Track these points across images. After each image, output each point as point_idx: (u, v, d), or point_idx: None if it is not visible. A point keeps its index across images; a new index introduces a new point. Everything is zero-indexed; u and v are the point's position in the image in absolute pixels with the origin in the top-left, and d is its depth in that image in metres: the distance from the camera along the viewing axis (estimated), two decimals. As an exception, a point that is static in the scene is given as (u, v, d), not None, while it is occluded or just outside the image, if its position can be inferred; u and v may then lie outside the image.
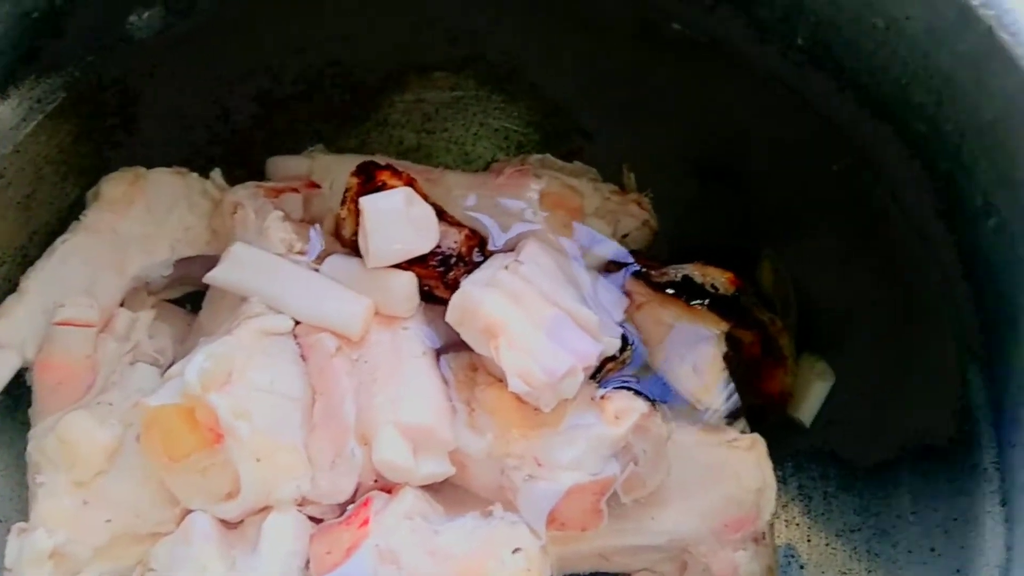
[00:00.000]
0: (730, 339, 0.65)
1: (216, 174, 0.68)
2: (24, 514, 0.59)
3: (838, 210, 0.69)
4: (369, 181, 0.61)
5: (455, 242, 0.62)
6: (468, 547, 0.56)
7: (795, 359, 0.68)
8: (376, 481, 0.58)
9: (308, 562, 0.57)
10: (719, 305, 0.65)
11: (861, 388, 0.68)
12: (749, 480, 0.61)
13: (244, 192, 0.66)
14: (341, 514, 0.58)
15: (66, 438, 0.57)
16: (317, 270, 0.62)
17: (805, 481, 0.69)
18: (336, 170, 0.68)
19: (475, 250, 0.63)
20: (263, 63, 0.72)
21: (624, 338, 0.63)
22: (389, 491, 0.58)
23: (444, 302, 0.60)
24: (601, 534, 0.59)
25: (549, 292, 0.60)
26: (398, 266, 0.61)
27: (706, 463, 0.62)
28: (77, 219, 0.65)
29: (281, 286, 0.61)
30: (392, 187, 0.61)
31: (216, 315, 0.64)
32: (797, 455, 0.69)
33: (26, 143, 0.66)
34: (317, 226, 0.66)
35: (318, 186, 0.68)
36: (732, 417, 0.64)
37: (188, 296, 0.70)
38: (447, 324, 0.60)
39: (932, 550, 0.63)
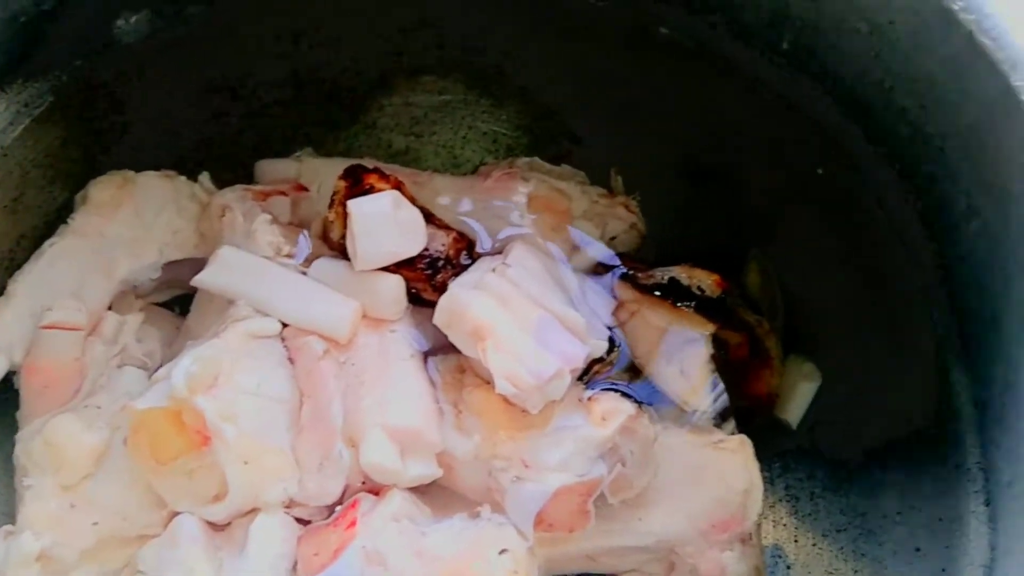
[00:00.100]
0: (717, 341, 0.66)
1: (204, 178, 0.69)
2: (12, 517, 0.59)
3: (824, 213, 0.69)
4: (357, 184, 0.62)
5: (443, 245, 0.62)
6: (455, 548, 0.56)
7: (782, 360, 0.69)
8: (364, 483, 0.58)
9: (296, 564, 0.57)
10: (706, 307, 0.65)
11: (847, 389, 0.69)
12: (736, 481, 0.61)
13: (232, 195, 0.66)
14: (329, 516, 0.58)
15: (53, 441, 0.57)
16: (305, 273, 0.63)
17: (792, 482, 0.69)
18: (324, 173, 0.68)
19: (463, 253, 0.63)
20: (251, 67, 0.72)
21: (611, 340, 0.64)
22: (377, 493, 0.58)
23: (432, 305, 0.60)
24: (589, 535, 0.60)
25: (536, 295, 0.61)
26: (386, 269, 0.61)
27: (693, 464, 0.62)
28: (65, 223, 0.65)
29: (269, 289, 0.61)
30: (380, 190, 0.61)
31: (204, 318, 0.64)
32: (784, 456, 0.70)
33: (13, 147, 0.66)
34: (305, 231, 0.66)
35: (306, 189, 0.68)
36: (721, 418, 0.65)
37: (176, 299, 0.70)
38: (435, 327, 0.60)
39: (917, 550, 0.63)
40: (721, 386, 0.65)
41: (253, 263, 0.62)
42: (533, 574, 0.57)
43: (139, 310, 0.66)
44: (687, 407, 0.64)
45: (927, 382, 0.65)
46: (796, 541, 0.68)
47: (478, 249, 0.65)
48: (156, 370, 0.61)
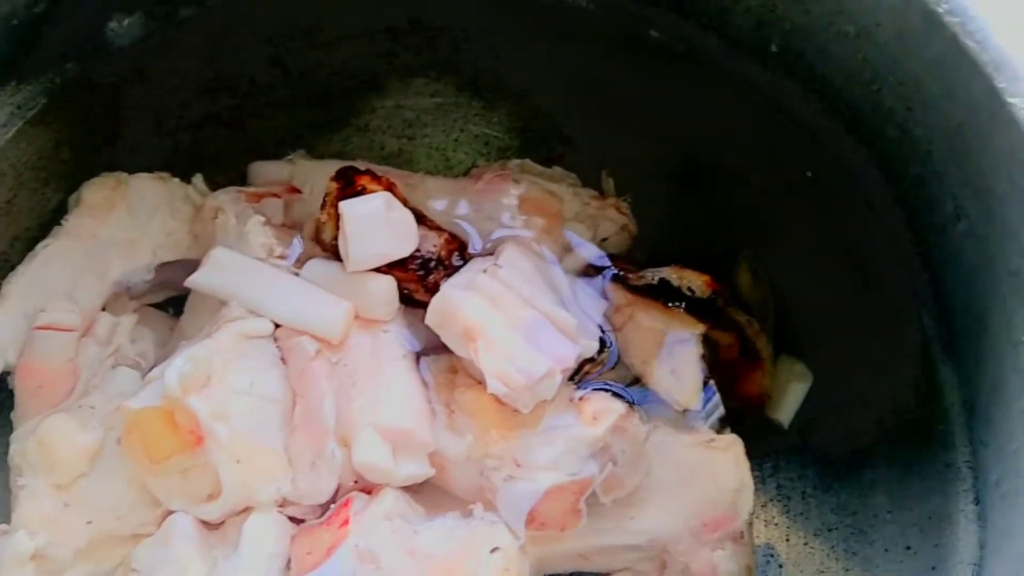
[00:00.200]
0: (708, 341, 0.66)
1: (197, 179, 0.69)
2: (7, 517, 0.59)
3: (813, 214, 0.70)
4: (349, 186, 0.62)
5: (435, 246, 0.63)
6: (447, 547, 0.56)
7: (772, 361, 0.69)
8: (356, 482, 0.58)
9: (289, 562, 0.57)
10: (696, 308, 0.65)
11: (837, 389, 0.69)
12: (727, 480, 0.62)
13: (225, 197, 0.66)
14: (322, 515, 0.59)
15: (46, 441, 0.58)
16: (297, 274, 0.63)
17: (783, 481, 0.70)
18: (317, 175, 0.68)
19: (455, 254, 0.63)
20: (243, 69, 0.72)
21: (602, 340, 0.64)
22: (369, 492, 0.59)
23: (424, 305, 0.61)
24: (580, 534, 0.60)
25: (527, 295, 0.61)
26: (378, 270, 0.61)
27: (684, 463, 0.62)
28: (58, 224, 0.65)
29: (261, 290, 0.61)
30: (372, 192, 0.61)
31: (197, 319, 0.64)
32: (775, 455, 0.70)
33: (6, 149, 0.66)
34: (298, 232, 0.66)
35: (299, 191, 0.69)
36: (711, 418, 0.65)
37: (170, 300, 0.70)
38: (427, 327, 0.61)
39: (908, 548, 0.64)
40: (717, 396, 0.65)
41: (246, 264, 0.62)
42: (525, 572, 0.57)
43: (132, 311, 0.66)
44: (678, 406, 0.64)
45: (916, 382, 0.66)
46: (787, 540, 0.68)
47: (470, 250, 0.65)
48: (149, 371, 0.61)
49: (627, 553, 0.63)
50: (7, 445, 0.61)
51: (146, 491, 0.58)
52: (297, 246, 0.65)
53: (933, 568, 0.62)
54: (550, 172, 0.71)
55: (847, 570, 0.66)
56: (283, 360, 0.61)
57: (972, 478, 0.62)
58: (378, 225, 0.60)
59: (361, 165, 0.65)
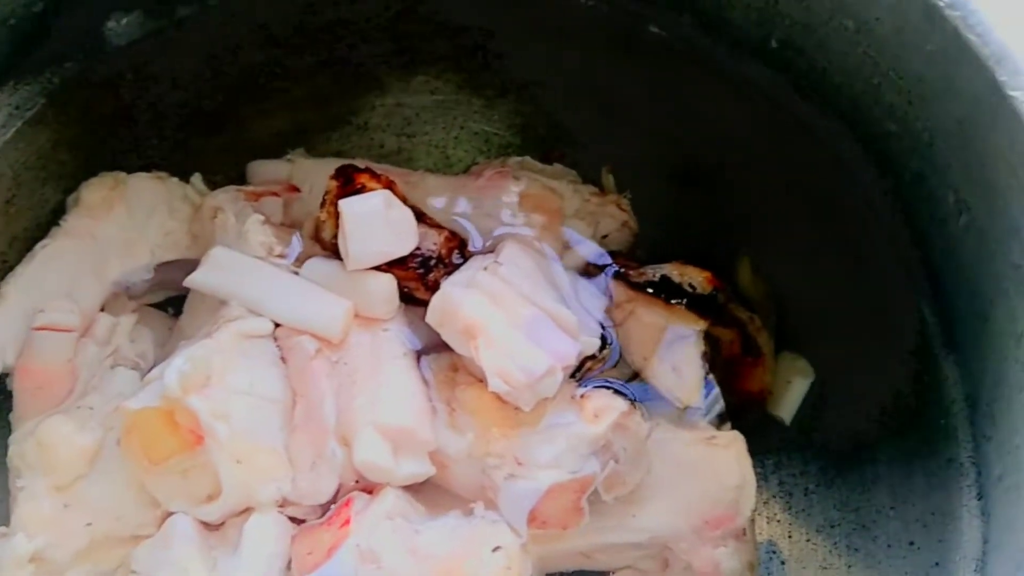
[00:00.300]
0: (709, 338, 0.66)
1: (196, 179, 0.69)
2: (6, 519, 0.59)
3: (814, 210, 0.70)
4: (348, 184, 0.62)
5: (435, 244, 0.62)
6: (449, 546, 0.56)
7: (774, 357, 0.69)
8: (357, 482, 0.58)
9: (290, 563, 0.57)
10: (697, 304, 0.65)
11: (839, 385, 0.69)
12: (729, 477, 0.61)
13: (224, 196, 0.66)
14: (322, 515, 0.58)
15: (45, 442, 0.57)
16: (297, 273, 0.63)
17: (785, 478, 0.70)
18: (316, 174, 0.68)
19: (455, 252, 0.63)
20: (242, 67, 0.72)
21: (603, 337, 0.64)
22: (370, 491, 0.58)
23: (424, 304, 0.61)
24: (582, 532, 0.60)
25: (528, 293, 0.61)
26: (378, 268, 0.61)
27: (686, 460, 0.62)
28: (57, 224, 0.65)
29: (261, 289, 0.61)
30: (371, 190, 0.61)
31: (196, 319, 0.64)
32: (777, 452, 0.70)
33: (5, 150, 0.66)
34: (297, 231, 0.66)
35: (298, 190, 0.69)
36: (711, 414, 0.65)
37: (170, 300, 0.70)
38: (427, 325, 0.60)
39: (911, 544, 0.64)
40: (717, 390, 0.65)
41: (245, 263, 0.62)
42: (527, 571, 0.57)
43: (132, 311, 0.66)
44: (679, 403, 0.64)
45: (918, 377, 0.66)
46: (790, 537, 0.68)
47: (470, 248, 0.65)
48: (149, 371, 0.61)
49: (629, 551, 0.62)
50: (6, 446, 0.61)
51: (146, 492, 0.58)
52: (296, 245, 0.65)
53: (936, 564, 0.62)
54: (550, 169, 0.71)
55: (850, 566, 0.65)
56: (283, 359, 0.61)
57: (975, 473, 0.62)
58: (378, 223, 0.60)
59: (360, 163, 0.64)
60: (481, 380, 0.59)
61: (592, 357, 0.63)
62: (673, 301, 0.65)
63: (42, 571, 0.57)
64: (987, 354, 0.59)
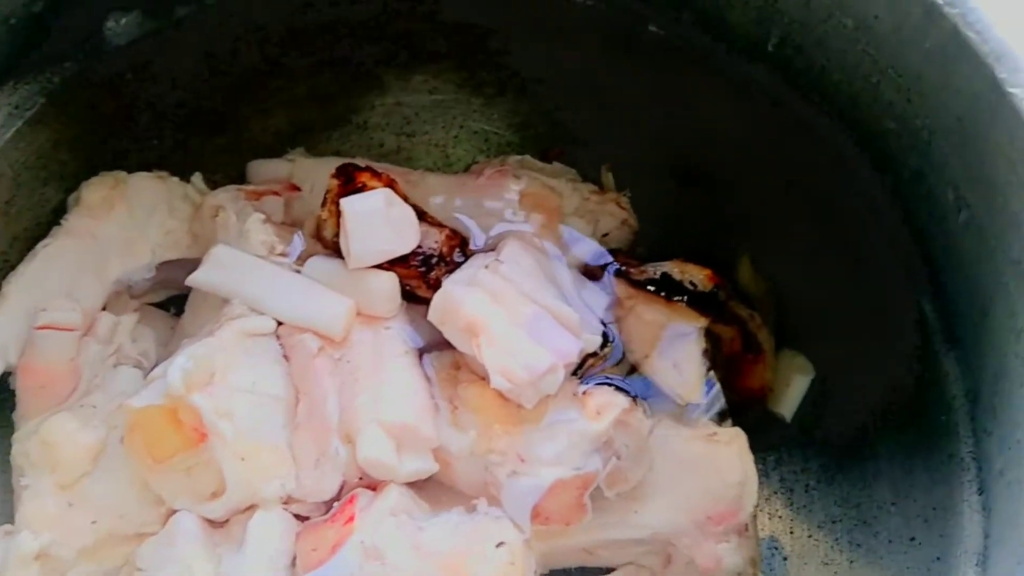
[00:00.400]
0: (710, 335, 0.66)
1: (197, 178, 0.69)
2: (10, 517, 0.59)
3: (814, 208, 0.70)
4: (349, 183, 0.62)
5: (436, 242, 0.63)
6: (453, 542, 0.56)
7: (774, 354, 0.69)
8: (361, 479, 0.58)
9: (294, 559, 0.57)
10: (698, 301, 0.65)
11: (840, 381, 0.69)
12: (731, 473, 0.62)
13: (225, 195, 0.66)
14: (327, 512, 0.58)
15: (49, 440, 0.57)
16: (299, 271, 0.63)
17: (787, 474, 0.70)
18: (316, 173, 0.68)
19: (456, 250, 0.63)
20: (241, 67, 0.72)
21: (604, 335, 0.64)
22: (374, 488, 0.58)
23: (426, 302, 0.61)
24: (585, 528, 0.60)
25: (529, 290, 0.61)
26: (380, 266, 0.61)
27: (688, 457, 0.62)
28: (58, 224, 0.65)
29: (263, 287, 0.61)
30: (372, 188, 0.61)
31: (198, 317, 0.64)
32: (778, 448, 0.70)
33: (5, 150, 0.66)
34: (299, 230, 0.66)
35: (299, 189, 0.69)
36: (712, 411, 0.65)
37: (172, 299, 0.70)
38: (429, 323, 0.61)
39: (912, 539, 0.64)
40: (717, 387, 0.65)
41: (247, 262, 0.62)
42: (530, 566, 0.57)
43: (133, 310, 0.66)
44: (681, 400, 0.64)
45: (918, 373, 0.66)
46: (792, 532, 0.68)
47: (471, 246, 0.65)
48: (151, 369, 0.61)
49: (632, 547, 0.63)
50: (9, 445, 0.61)
51: (149, 490, 0.57)
52: (298, 243, 0.65)
53: (937, 558, 0.62)
54: (550, 168, 0.72)
55: (851, 562, 0.66)
56: (286, 357, 0.61)
57: (976, 468, 0.62)
58: (379, 222, 0.60)
59: (361, 162, 0.65)
60: (483, 378, 0.59)
61: (594, 354, 0.63)
62: (674, 298, 0.65)
63: (47, 569, 0.57)
64: (987, 350, 0.60)
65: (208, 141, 0.72)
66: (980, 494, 0.61)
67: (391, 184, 0.62)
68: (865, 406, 0.68)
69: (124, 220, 0.65)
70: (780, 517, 0.69)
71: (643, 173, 0.72)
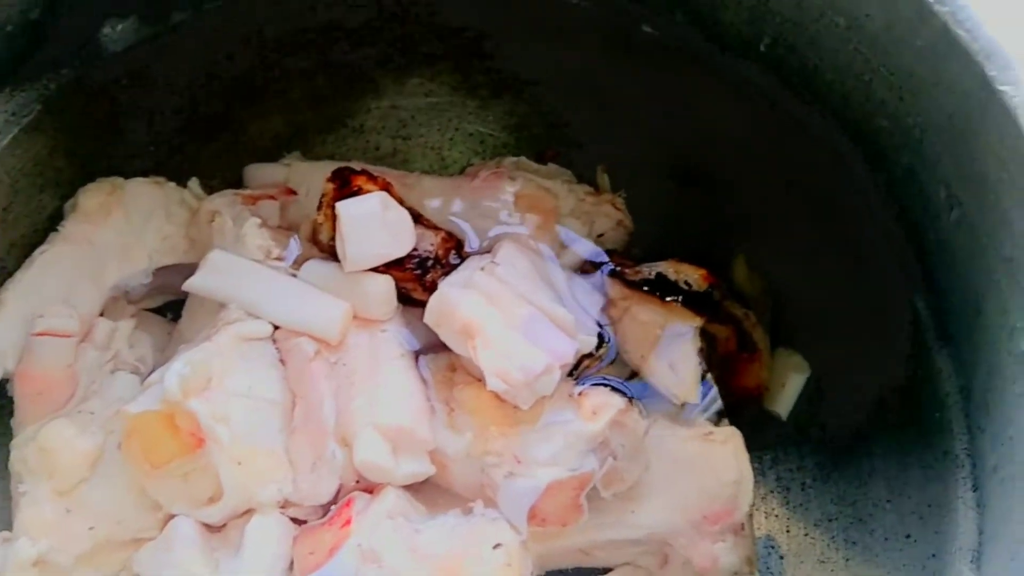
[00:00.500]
0: (705, 335, 0.66)
1: (193, 183, 0.69)
2: (8, 524, 0.59)
3: (808, 206, 0.70)
4: (345, 186, 0.62)
5: (431, 245, 0.63)
6: (449, 545, 0.56)
7: (770, 353, 0.69)
8: (358, 482, 0.59)
9: (292, 563, 0.57)
10: (693, 301, 0.65)
11: (835, 380, 0.69)
12: (726, 473, 0.62)
13: (221, 200, 0.66)
14: (324, 515, 0.59)
15: (47, 447, 0.58)
16: (295, 275, 0.63)
17: (783, 473, 0.70)
18: (312, 176, 0.68)
19: (452, 252, 0.63)
20: (237, 72, 0.72)
21: (600, 335, 0.64)
22: (371, 491, 0.59)
23: (422, 304, 0.61)
24: (582, 529, 0.60)
25: (525, 292, 0.61)
26: (375, 270, 0.61)
27: (684, 457, 0.62)
28: (55, 230, 0.66)
29: (259, 292, 0.61)
30: (368, 192, 0.62)
31: (195, 322, 0.64)
32: (774, 447, 0.70)
33: (2, 156, 0.66)
34: (295, 233, 0.67)
35: (295, 193, 0.69)
36: (709, 411, 0.65)
37: (168, 305, 0.70)
38: (425, 326, 0.61)
39: (908, 536, 0.64)
40: (715, 390, 0.65)
41: (243, 266, 0.62)
42: (527, 567, 0.58)
43: (131, 316, 0.66)
44: (676, 400, 0.64)
45: (912, 371, 0.66)
46: (788, 531, 0.68)
47: (467, 248, 0.66)
48: (148, 375, 0.61)
49: (628, 547, 0.63)
50: (7, 452, 0.61)
51: (147, 495, 0.58)
52: (294, 247, 0.65)
53: (933, 555, 0.62)
54: (545, 169, 0.72)
55: (848, 560, 0.66)
56: (282, 361, 0.61)
57: (970, 465, 0.62)
58: (375, 225, 0.60)
59: (356, 166, 0.65)
60: (479, 379, 0.59)
61: (589, 355, 0.64)
62: (669, 298, 0.65)
63: (45, 575, 0.57)
64: (980, 347, 0.60)
65: (204, 146, 0.73)
66: (974, 491, 0.61)
67: (387, 187, 0.63)
68: (860, 404, 0.68)
69: (121, 226, 0.66)
70: (776, 516, 0.69)
71: (640, 174, 0.72)
